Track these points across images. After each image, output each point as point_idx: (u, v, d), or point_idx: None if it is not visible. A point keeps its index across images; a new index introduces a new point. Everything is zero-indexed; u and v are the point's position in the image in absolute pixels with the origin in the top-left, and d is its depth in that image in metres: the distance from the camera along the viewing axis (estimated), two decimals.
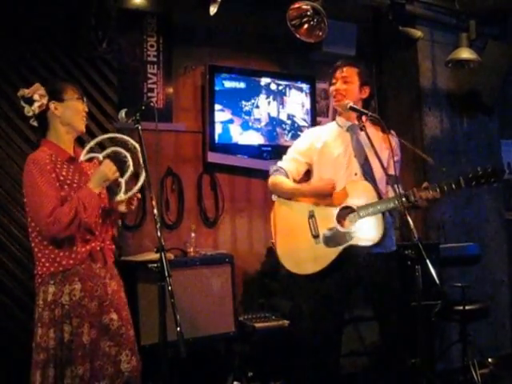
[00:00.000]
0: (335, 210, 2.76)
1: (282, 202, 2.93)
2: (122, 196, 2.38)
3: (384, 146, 2.86)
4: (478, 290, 4.26)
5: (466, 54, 4.14)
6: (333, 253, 2.73)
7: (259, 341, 3.57)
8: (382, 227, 2.73)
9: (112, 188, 2.45)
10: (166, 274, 2.00)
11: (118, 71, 3.70)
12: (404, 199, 2.65)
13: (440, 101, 4.61)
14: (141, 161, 2.28)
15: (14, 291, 3.30)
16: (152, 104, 2.50)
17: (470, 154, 4.71)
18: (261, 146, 4.28)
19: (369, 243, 2.72)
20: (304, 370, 2.88)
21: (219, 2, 3.58)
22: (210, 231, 4.15)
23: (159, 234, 2.09)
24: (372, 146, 2.72)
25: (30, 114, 2.41)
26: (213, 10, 3.65)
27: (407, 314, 2.87)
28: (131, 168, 2.36)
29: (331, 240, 2.74)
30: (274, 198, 2.97)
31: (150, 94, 3.98)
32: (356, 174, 2.84)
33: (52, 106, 2.40)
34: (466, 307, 3.68)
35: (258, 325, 3.58)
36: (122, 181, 2.37)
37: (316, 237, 2.78)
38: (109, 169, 2.34)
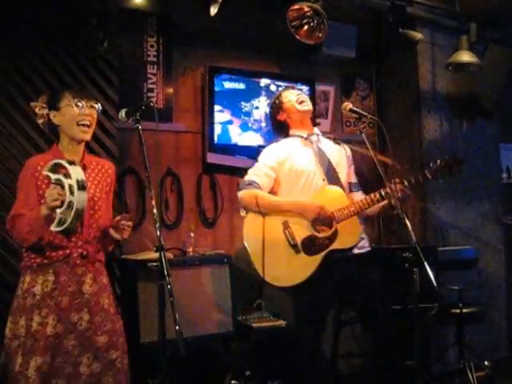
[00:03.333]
0: (309, 219, 2.78)
1: (253, 217, 2.90)
2: (52, 227, 2.24)
3: (341, 154, 3.01)
4: (475, 293, 4.27)
5: (466, 57, 4.14)
6: (315, 260, 2.74)
7: (257, 340, 3.57)
8: (359, 228, 2.78)
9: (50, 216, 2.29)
10: (166, 273, 2.02)
11: (118, 71, 3.71)
12: (377, 196, 2.73)
13: (439, 104, 4.61)
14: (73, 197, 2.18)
15: (16, 288, 3.29)
16: (152, 104, 2.51)
17: (469, 158, 4.71)
18: (260, 146, 4.25)
19: (348, 245, 2.75)
20: (300, 371, 2.89)
21: (219, 2, 3.59)
22: (209, 231, 4.16)
23: (159, 233, 2.10)
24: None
25: (42, 126, 2.53)
26: (213, 10, 3.65)
27: (391, 312, 2.90)
28: (67, 201, 2.18)
29: (311, 248, 2.75)
30: (242, 213, 2.97)
31: (149, 94, 3.98)
32: (324, 180, 2.88)
33: (51, 115, 2.46)
34: (463, 310, 3.69)
35: (255, 325, 3.58)
36: (57, 212, 2.22)
37: (295, 246, 2.78)
38: (50, 195, 2.21)
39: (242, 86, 4.27)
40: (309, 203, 2.80)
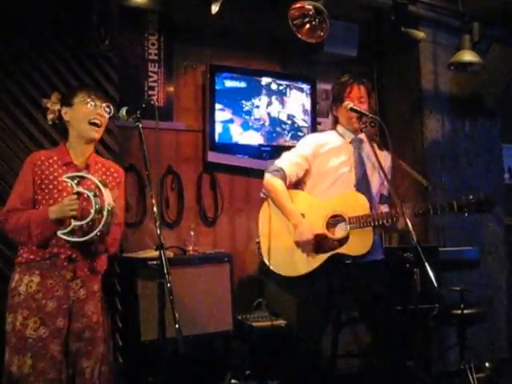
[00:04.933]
0: (325, 217, 2.76)
1: (271, 203, 2.91)
2: (59, 233, 2.29)
3: (381, 164, 2.84)
4: (476, 294, 4.25)
5: (468, 56, 4.11)
6: (320, 258, 2.74)
7: (257, 340, 3.57)
8: (371, 241, 2.73)
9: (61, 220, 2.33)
10: (166, 271, 2.01)
11: (119, 69, 3.70)
12: (385, 217, 2.68)
13: (441, 103, 4.60)
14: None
15: None
16: (153, 102, 2.50)
17: (470, 158, 4.70)
18: (260, 146, 4.28)
19: (355, 253, 2.72)
20: (300, 370, 2.88)
21: (221, 0, 3.57)
22: (209, 230, 4.15)
23: (159, 231, 2.09)
24: (379, 164, 2.70)
25: (50, 122, 2.52)
26: (214, 8, 3.64)
27: (395, 319, 2.87)
28: (90, 218, 2.26)
29: (319, 245, 2.74)
30: (263, 195, 2.95)
31: (150, 92, 3.98)
32: (355, 186, 2.83)
33: (63, 111, 2.46)
34: (464, 311, 3.67)
35: (255, 324, 3.58)
36: (72, 225, 2.27)
37: None
38: (69, 205, 2.26)
39: (243, 84, 4.26)
40: (306, 227, 2.74)
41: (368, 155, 2.91)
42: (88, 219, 2.26)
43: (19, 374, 2.25)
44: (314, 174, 2.92)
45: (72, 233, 2.28)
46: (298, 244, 2.75)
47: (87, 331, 2.40)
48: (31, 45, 3.42)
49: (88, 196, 2.28)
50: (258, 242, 2.90)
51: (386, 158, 2.94)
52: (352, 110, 2.84)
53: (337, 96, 2.95)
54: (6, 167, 3.33)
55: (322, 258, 2.74)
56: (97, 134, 2.47)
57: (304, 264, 2.76)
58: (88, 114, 2.42)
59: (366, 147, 2.92)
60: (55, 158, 2.45)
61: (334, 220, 2.76)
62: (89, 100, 2.43)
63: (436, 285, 2.25)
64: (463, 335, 3.71)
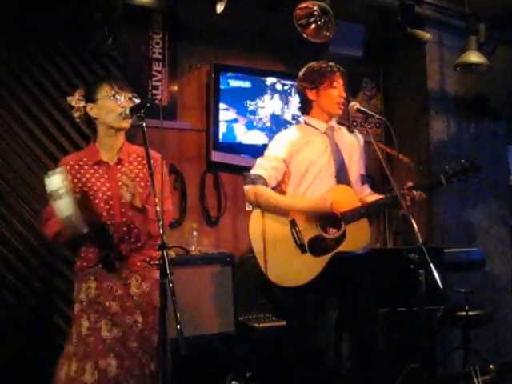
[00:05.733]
0: (318, 218, 2.71)
1: (259, 213, 2.81)
2: None
3: (355, 147, 2.92)
4: (481, 295, 4.22)
5: (474, 57, 4.09)
6: (322, 261, 2.68)
7: (258, 341, 3.55)
8: (368, 232, 2.72)
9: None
10: (168, 271, 1.99)
11: (123, 68, 3.69)
12: (389, 199, 2.69)
13: (447, 104, 4.58)
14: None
15: (15, 285, 3.30)
16: (157, 101, 2.47)
17: (476, 159, 4.66)
18: (265, 145, 4.21)
19: (356, 249, 2.68)
20: (301, 373, 2.85)
21: (226, 0, 3.56)
22: (212, 230, 4.14)
23: (161, 231, 2.07)
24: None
25: (77, 120, 2.48)
26: (219, 8, 3.63)
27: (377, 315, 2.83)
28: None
29: (317, 248, 2.70)
30: (248, 207, 2.89)
31: (154, 92, 3.96)
32: (334, 177, 2.80)
33: (88, 108, 2.41)
34: (469, 313, 3.64)
35: (257, 325, 3.56)
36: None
37: (301, 246, 2.71)
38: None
39: (247, 84, 4.24)
40: (319, 202, 2.69)
41: (342, 141, 2.89)
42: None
43: (94, 380, 2.22)
44: (294, 173, 2.85)
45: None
46: (324, 222, 2.70)
47: (155, 322, 2.36)
48: (34, 43, 3.42)
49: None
50: (253, 257, 2.79)
51: (359, 139, 2.97)
52: (359, 110, 2.82)
53: (316, 78, 2.86)
54: (5, 166, 3.33)
55: (323, 261, 2.68)
56: (126, 123, 2.41)
57: (306, 271, 2.68)
58: (114, 109, 2.37)
59: (338, 133, 2.91)
60: (85, 159, 2.41)
61: (327, 219, 2.72)
62: (112, 93, 2.38)
63: (441, 286, 2.23)
64: (468, 337, 3.69)
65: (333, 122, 2.92)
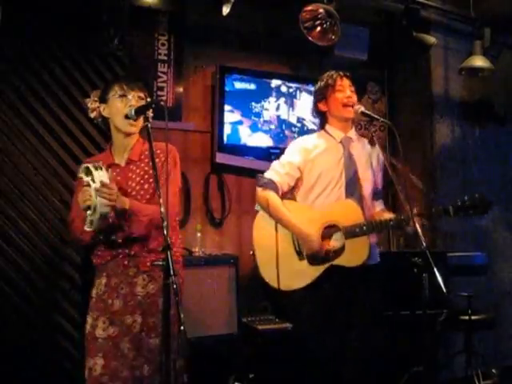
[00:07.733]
0: (320, 228, 2.70)
1: (265, 214, 2.81)
2: (85, 227, 2.24)
3: (373, 160, 2.88)
4: (484, 300, 4.22)
5: (479, 62, 4.09)
6: (316, 271, 2.68)
7: (261, 343, 3.55)
8: (367, 249, 2.69)
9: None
10: (171, 272, 1.99)
11: (128, 68, 3.70)
12: (393, 223, 2.66)
13: (452, 109, 4.57)
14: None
15: (19, 285, 3.31)
16: (162, 102, 2.47)
17: (480, 164, 4.67)
18: (269, 148, 4.26)
19: (352, 265, 2.67)
20: (304, 376, 2.85)
21: (232, 2, 3.57)
22: (215, 231, 4.14)
23: (165, 232, 2.08)
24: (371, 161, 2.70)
25: (95, 121, 2.49)
26: (225, 10, 3.64)
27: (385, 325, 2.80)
28: (92, 205, 2.17)
29: (315, 258, 2.69)
30: (257, 207, 2.89)
31: (159, 93, 3.97)
32: (344, 190, 2.77)
33: (101, 108, 2.42)
34: (472, 317, 3.64)
35: (260, 327, 3.56)
36: (87, 214, 2.21)
37: (299, 253, 2.72)
38: (80, 197, 2.21)
39: (252, 86, 4.25)
40: (307, 234, 2.68)
41: (358, 153, 2.86)
42: (92, 205, 2.17)
43: (90, 377, 2.25)
44: (305, 181, 2.84)
45: (92, 224, 2.22)
46: (309, 257, 2.69)
47: (157, 325, 2.35)
48: (40, 43, 3.43)
49: (88, 183, 2.20)
50: (253, 254, 2.80)
51: (378, 153, 2.91)
52: (363, 114, 2.81)
53: (323, 89, 2.90)
54: (11, 166, 3.35)
55: (318, 270, 2.67)
56: (132, 127, 2.39)
57: (297, 278, 2.69)
58: (122, 108, 2.36)
59: (356, 145, 2.88)
60: (101, 163, 2.39)
61: (329, 231, 2.71)
62: (121, 93, 2.38)
63: (445, 290, 2.23)
64: (470, 341, 3.69)
65: (352, 133, 2.89)
